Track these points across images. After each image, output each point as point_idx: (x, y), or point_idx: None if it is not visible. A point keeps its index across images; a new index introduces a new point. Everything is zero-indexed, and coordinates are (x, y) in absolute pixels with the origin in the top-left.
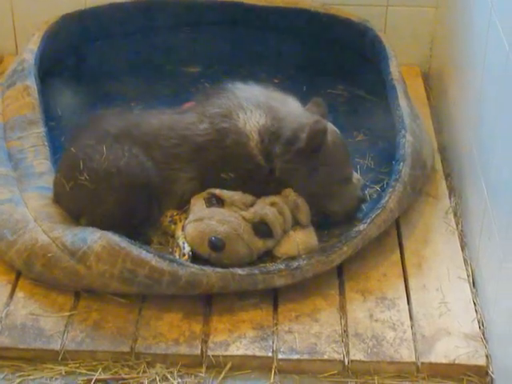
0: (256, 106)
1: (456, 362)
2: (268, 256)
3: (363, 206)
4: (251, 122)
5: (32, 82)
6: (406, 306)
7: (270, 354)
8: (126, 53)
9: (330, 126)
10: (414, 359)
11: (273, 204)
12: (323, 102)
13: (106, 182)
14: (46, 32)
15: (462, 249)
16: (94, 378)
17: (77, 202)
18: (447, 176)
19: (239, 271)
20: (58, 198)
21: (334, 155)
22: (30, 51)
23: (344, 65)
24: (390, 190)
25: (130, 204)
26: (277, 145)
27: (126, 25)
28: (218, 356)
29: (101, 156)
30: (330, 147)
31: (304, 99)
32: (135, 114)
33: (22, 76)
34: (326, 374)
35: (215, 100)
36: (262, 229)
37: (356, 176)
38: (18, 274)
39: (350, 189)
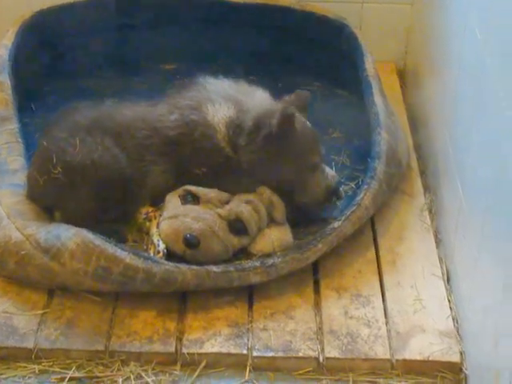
0: (224, 99)
1: (430, 358)
2: (243, 253)
3: (338, 203)
4: (219, 114)
5: (5, 78)
6: (381, 303)
7: (245, 352)
8: (102, 49)
9: (300, 116)
10: (388, 356)
11: (248, 202)
12: (306, 94)
13: (79, 175)
14: (20, 27)
15: (437, 246)
16: (68, 376)
17: (50, 196)
18: (422, 174)
19: (214, 268)
20: (32, 193)
21: (300, 142)
22: (4, 47)
23: (320, 61)
24: (365, 187)
25: (104, 197)
26: (241, 136)
27: (101, 21)
28: (193, 354)
29: (74, 149)
30: (298, 134)
31: (280, 96)
32: (107, 106)
33: None
34: (300, 372)
35: (186, 93)
36: (237, 226)
37: (331, 173)
38: None
39: (317, 177)
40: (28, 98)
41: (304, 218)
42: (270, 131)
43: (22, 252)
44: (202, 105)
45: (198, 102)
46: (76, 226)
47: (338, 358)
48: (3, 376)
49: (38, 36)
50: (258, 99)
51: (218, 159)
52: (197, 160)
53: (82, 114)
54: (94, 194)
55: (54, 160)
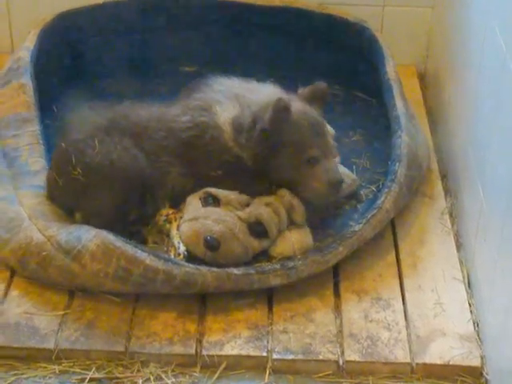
0: (230, 99)
1: (450, 362)
2: (264, 256)
3: (358, 206)
4: (225, 114)
5: (27, 80)
6: (401, 307)
7: (265, 354)
8: (122, 51)
9: (301, 107)
10: (408, 360)
11: (268, 204)
12: (324, 86)
13: (99, 176)
14: (41, 30)
15: (458, 249)
16: (88, 377)
17: (70, 197)
18: (443, 176)
19: (235, 271)
20: (52, 194)
21: (295, 135)
22: (25, 49)
23: (340, 64)
24: (386, 190)
25: (123, 197)
26: (242, 133)
27: (121, 23)
28: (213, 356)
29: (93, 150)
30: (292, 127)
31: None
32: (123, 106)
33: (18, 74)
34: (320, 375)
35: (197, 93)
36: (257, 229)
37: (352, 176)
38: (13, 273)
39: (317, 171)
40: (50, 100)
41: (314, 216)
42: (263, 126)
43: (44, 253)
44: (211, 106)
45: (208, 103)
46: (96, 226)
47: (358, 362)
48: (24, 376)
49: (60, 38)
50: (263, 95)
51: (228, 159)
52: (210, 162)
53: (99, 115)
54: (114, 194)
55: (73, 161)
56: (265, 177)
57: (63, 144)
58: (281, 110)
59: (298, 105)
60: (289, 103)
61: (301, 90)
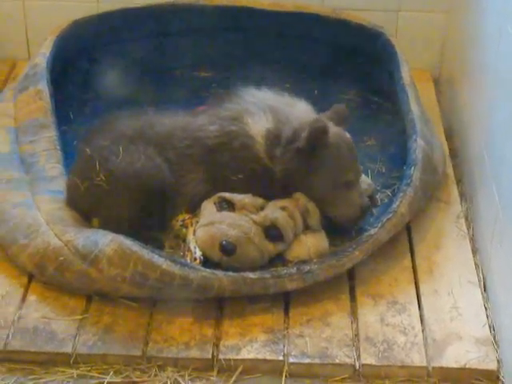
0: (263, 111)
1: (467, 366)
2: (279, 260)
3: (374, 211)
4: (258, 125)
5: (44, 86)
6: (417, 311)
7: (281, 358)
8: (138, 57)
9: (338, 131)
10: (424, 363)
11: (283, 208)
12: (343, 109)
13: (122, 183)
14: (58, 36)
15: (474, 254)
16: (106, 381)
17: (91, 203)
18: (458, 181)
19: (250, 275)
20: (72, 199)
21: (334, 158)
22: (42, 55)
23: (356, 69)
24: (401, 194)
25: (144, 205)
26: (279, 147)
27: (137, 30)
28: (229, 360)
29: (117, 157)
30: (331, 150)
31: (315, 104)
32: (149, 115)
33: (34, 80)
34: (337, 378)
35: (226, 104)
36: (272, 232)
37: (367, 181)
38: (30, 278)
39: (352, 195)
40: (66, 106)
41: (335, 230)
42: (300, 145)
43: (61, 258)
44: (242, 116)
45: (238, 113)
46: (114, 232)
47: (375, 365)
48: (42, 380)
49: (76, 45)
50: (299, 111)
51: (255, 167)
52: (234, 166)
53: (124, 123)
54: (135, 202)
55: (97, 167)
56: (289, 190)
57: (88, 150)
58: (318, 131)
59: (332, 126)
60: (326, 124)
61: (324, 113)
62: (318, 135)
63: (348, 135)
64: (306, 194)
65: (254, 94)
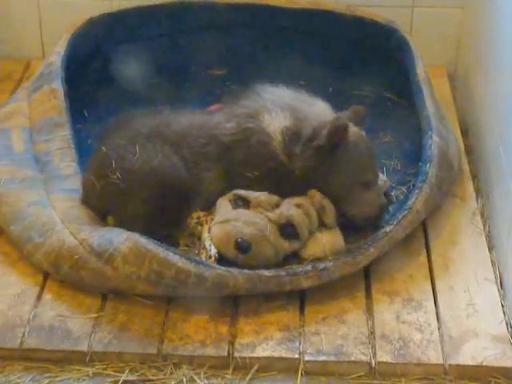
0: (281, 108)
1: (484, 363)
2: (294, 257)
3: (390, 208)
4: (275, 123)
5: (58, 85)
6: (433, 308)
7: (297, 356)
8: (152, 55)
9: (357, 130)
10: (441, 361)
11: (298, 205)
12: (362, 109)
13: (138, 182)
14: (72, 35)
15: (490, 250)
16: (121, 379)
17: (107, 201)
18: (474, 177)
19: (266, 273)
20: (87, 197)
21: (354, 157)
22: (56, 54)
23: (370, 66)
24: (417, 191)
25: (160, 204)
26: (297, 144)
27: (151, 27)
28: (245, 357)
29: (134, 155)
30: (351, 148)
31: (330, 101)
32: (165, 114)
33: (49, 79)
34: (352, 376)
35: (243, 101)
36: (288, 230)
37: (382, 177)
38: (46, 276)
39: (370, 195)
40: (81, 105)
41: (352, 228)
42: (321, 143)
43: (76, 256)
44: (258, 113)
45: (255, 111)
46: (129, 230)
47: (391, 363)
48: (58, 379)
49: (90, 43)
50: (317, 109)
51: (271, 164)
52: (250, 163)
53: (140, 122)
54: (151, 200)
55: (114, 166)
56: (306, 187)
57: (104, 148)
58: (339, 129)
59: (351, 126)
60: (347, 123)
61: (342, 113)
62: (338, 133)
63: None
64: (325, 193)
65: (271, 91)
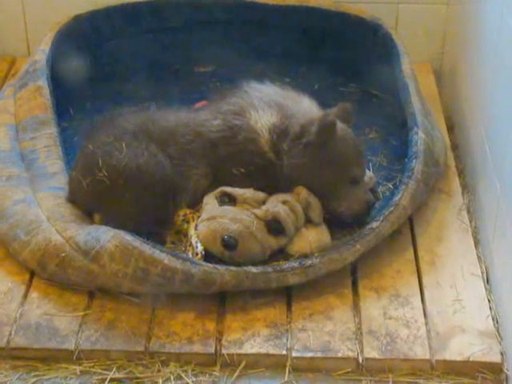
0: (268, 105)
1: (470, 359)
2: (281, 254)
3: (376, 205)
4: (262, 120)
5: (44, 83)
6: (420, 304)
7: (284, 352)
8: (138, 53)
9: (344, 127)
10: (428, 357)
11: (285, 202)
12: (349, 106)
13: (124, 179)
14: (57, 32)
15: (476, 246)
16: (109, 377)
17: (93, 199)
18: (460, 173)
19: (252, 269)
20: (74, 195)
21: (341, 153)
22: (41, 52)
23: (356, 62)
24: (403, 187)
25: (146, 201)
26: (285, 141)
27: (137, 25)
28: (232, 354)
29: (120, 153)
30: (338, 145)
31: (316, 98)
32: (151, 111)
33: (34, 77)
34: (340, 372)
35: (229, 98)
36: (274, 226)
37: (369, 174)
38: (32, 275)
39: (358, 191)
40: (66, 103)
41: (339, 225)
42: (310, 139)
43: (62, 254)
44: (245, 110)
45: (242, 108)
46: (116, 228)
47: (378, 359)
48: (45, 377)
49: (75, 41)
50: (304, 106)
51: (259, 162)
52: (237, 160)
53: (126, 119)
54: (137, 198)
55: (100, 163)
56: (293, 184)
57: (90, 146)
58: (327, 126)
59: (339, 122)
60: (334, 120)
61: (329, 110)
62: (327, 130)
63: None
64: (312, 189)
65: (258, 88)
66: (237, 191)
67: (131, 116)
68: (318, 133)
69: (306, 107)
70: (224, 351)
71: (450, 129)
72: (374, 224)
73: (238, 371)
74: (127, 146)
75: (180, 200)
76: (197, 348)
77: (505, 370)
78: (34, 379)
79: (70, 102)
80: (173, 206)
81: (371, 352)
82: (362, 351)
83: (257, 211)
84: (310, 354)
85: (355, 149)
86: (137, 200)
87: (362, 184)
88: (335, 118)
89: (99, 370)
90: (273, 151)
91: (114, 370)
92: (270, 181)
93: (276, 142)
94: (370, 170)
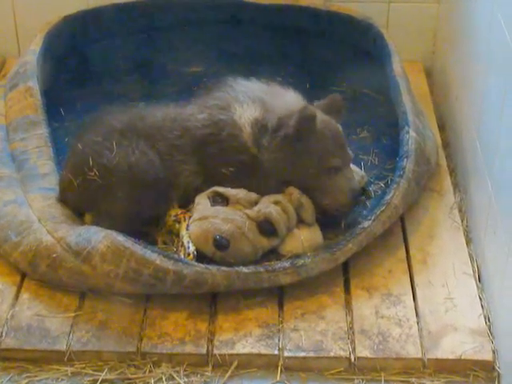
0: (252, 100)
1: (462, 357)
2: (273, 254)
3: (367, 203)
4: (246, 115)
5: (34, 83)
6: (412, 303)
7: (276, 352)
8: (128, 53)
9: (326, 118)
10: (420, 355)
11: (277, 202)
12: (339, 98)
13: (116, 178)
14: (47, 33)
15: (468, 244)
16: (100, 378)
17: (84, 199)
18: (451, 171)
19: (244, 269)
20: (65, 196)
21: (318, 143)
22: (31, 52)
23: (347, 62)
24: (395, 186)
25: (138, 199)
26: (265, 136)
27: (127, 25)
28: (224, 355)
29: (110, 152)
30: (317, 136)
31: (308, 97)
32: (139, 109)
33: (25, 77)
34: (332, 372)
35: (215, 93)
36: (266, 227)
37: (360, 173)
38: (23, 276)
39: (340, 181)
40: (57, 103)
41: (330, 221)
42: (288, 132)
43: (54, 255)
44: (229, 105)
45: (226, 102)
46: (108, 228)
47: (370, 358)
48: (36, 378)
49: (65, 41)
50: (285, 100)
51: (243, 158)
52: (224, 159)
53: (114, 118)
54: (129, 196)
55: (91, 163)
56: (279, 179)
57: (80, 145)
58: (306, 118)
59: (320, 114)
60: (314, 112)
61: (317, 102)
62: (306, 123)
63: (335, 123)
64: (294, 183)
65: (243, 83)
66: (230, 191)
67: (118, 114)
68: (296, 126)
69: (288, 101)
70: (216, 351)
71: (442, 128)
72: (366, 223)
73: (229, 371)
74: (117, 144)
75: (171, 197)
76: (189, 348)
77: (496, 368)
78: (26, 381)
79: (60, 102)
80: (164, 205)
81: (363, 351)
82: (354, 350)
83: (249, 212)
84: (302, 354)
85: (334, 138)
86: (128, 198)
87: (345, 173)
88: (315, 111)
89: (91, 371)
90: (255, 146)
91: (106, 370)
92: (258, 178)
93: (258, 136)
94: (361, 169)
